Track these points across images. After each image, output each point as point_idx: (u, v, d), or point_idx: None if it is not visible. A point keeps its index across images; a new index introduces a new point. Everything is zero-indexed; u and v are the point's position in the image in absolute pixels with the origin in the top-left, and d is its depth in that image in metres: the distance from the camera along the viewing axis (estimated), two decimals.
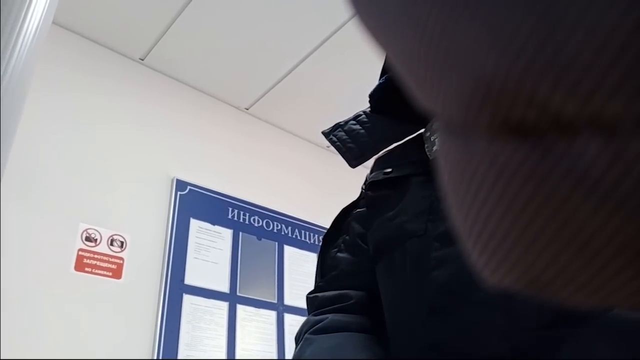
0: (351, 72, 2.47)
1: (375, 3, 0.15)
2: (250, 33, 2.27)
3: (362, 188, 0.80)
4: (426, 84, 0.15)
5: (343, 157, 0.74)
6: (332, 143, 0.75)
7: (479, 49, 0.12)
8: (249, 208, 2.50)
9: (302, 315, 2.42)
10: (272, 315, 2.33)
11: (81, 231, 1.93)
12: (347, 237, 0.77)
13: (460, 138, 0.14)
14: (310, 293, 0.78)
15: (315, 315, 0.72)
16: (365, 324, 0.68)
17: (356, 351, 0.63)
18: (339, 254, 0.77)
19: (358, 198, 0.80)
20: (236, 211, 2.44)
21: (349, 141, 0.74)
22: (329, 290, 0.74)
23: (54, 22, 2.09)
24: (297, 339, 0.72)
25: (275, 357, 2.24)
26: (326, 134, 0.77)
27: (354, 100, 2.65)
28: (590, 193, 0.12)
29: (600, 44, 0.11)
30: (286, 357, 2.27)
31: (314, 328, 0.69)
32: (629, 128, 0.11)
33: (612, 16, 0.10)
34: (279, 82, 2.56)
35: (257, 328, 2.24)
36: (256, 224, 2.49)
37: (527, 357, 0.50)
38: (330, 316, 0.70)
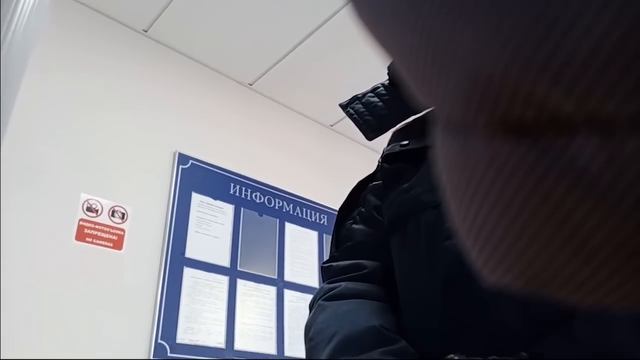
0: (357, 50, 2.44)
1: (372, 2, 0.15)
2: (256, 6, 2.24)
3: (378, 161, 0.80)
4: (425, 82, 0.15)
5: (360, 129, 0.74)
6: (350, 116, 0.75)
7: (477, 49, 0.12)
8: (251, 184, 2.50)
9: (302, 291, 2.43)
10: (272, 290, 2.34)
11: (82, 201, 1.93)
12: (362, 210, 0.78)
13: (459, 137, 0.14)
14: (324, 263, 0.79)
15: (329, 283, 0.73)
16: (379, 293, 0.69)
17: (369, 317, 0.63)
18: (354, 226, 0.77)
19: (375, 171, 0.80)
20: (238, 187, 2.44)
21: (366, 114, 0.74)
22: (344, 260, 0.75)
23: None
24: (311, 305, 0.72)
25: (274, 332, 2.26)
26: (343, 107, 0.77)
27: (358, 78, 2.63)
28: (587, 192, 0.12)
29: (596, 44, 0.11)
30: (285, 332, 2.29)
31: (327, 295, 0.70)
32: (624, 127, 0.11)
33: (608, 16, 0.10)
34: (284, 58, 2.53)
35: (256, 303, 2.25)
36: (258, 200, 2.49)
37: (543, 327, 0.50)
38: (344, 284, 0.70)
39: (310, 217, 2.69)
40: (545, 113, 0.12)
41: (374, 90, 0.77)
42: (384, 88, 0.76)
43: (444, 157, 0.16)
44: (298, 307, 2.39)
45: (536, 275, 0.14)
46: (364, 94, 0.77)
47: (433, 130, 0.16)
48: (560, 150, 0.12)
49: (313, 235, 2.67)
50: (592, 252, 0.13)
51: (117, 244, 1.95)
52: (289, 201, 2.63)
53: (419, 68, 0.14)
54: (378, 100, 0.75)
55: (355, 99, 0.77)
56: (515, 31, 0.12)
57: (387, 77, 0.78)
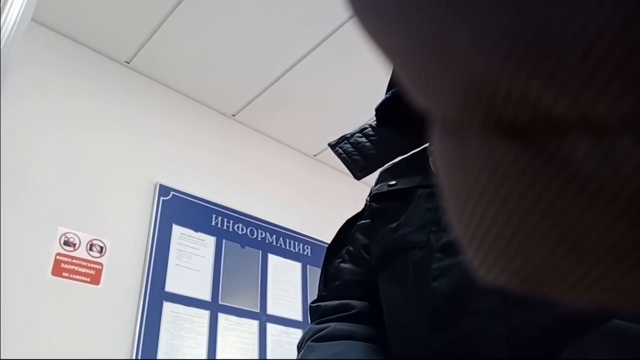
0: (340, 81, 2.46)
1: (372, 4, 0.16)
2: (239, 38, 2.25)
3: (366, 200, 0.82)
4: (422, 83, 0.15)
5: (348, 168, 0.76)
6: (338, 155, 0.77)
7: (471, 51, 0.13)
8: (233, 215, 2.47)
9: (285, 325, 2.39)
10: (254, 324, 2.29)
11: (59, 235, 1.89)
12: (351, 248, 0.79)
13: (456, 137, 0.15)
14: (313, 302, 0.80)
15: (318, 323, 0.74)
16: (367, 334, 0.70)
17: (358, 359, 0.65)
18: (342, 265, 0.79)
19: (362, 209, 0.82)
20: (220, 218, 2.41)
21: (354, 153, 0.76)
22: (332, 300, 0.76)
23: (35, 21, 2.06)
24: (299, 346, 0.73)
25: None
26: (332, 146, 0.79)
27: (342, 109, 2.65)
28: (581, 192, 0.12)
29: (587, 44, 0.11)
30: None
31: (316, 336, 0.71)
32: (616, 127, 0.11)
33: (600, 16, 0.11)
34: (267, 89, 2.54)
35: (238, 337, 2.20)
36: (240, 232, 2.46)
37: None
38: (332, 324, 0.71)
39: (294, 248, 2.67)
40: (538, 114, 0.12)
41: (361, 130, 0.79)
42: (372, 129, 0.79)
43: (441, 157, 0.16)
44: (281, 341, 2.34)
45: (531, 274, 0.14)
46: (352, 134, 0.79)
47: (431, 132, 0.16)
48: (554, 151, 0.12)
49: (297, 266, 2.63)
50: (586, 251, 0.13)
51: (95, 279, 1.90)
52: (272, 232, 2.60)
53: (415, 69, 0.15)
54: (366, 140, 0.77)
55: (343, 139, 0.79)
56: (508, 32, 0.12)
57: (374, 117, 0.81)
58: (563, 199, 0.13)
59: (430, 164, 0.70)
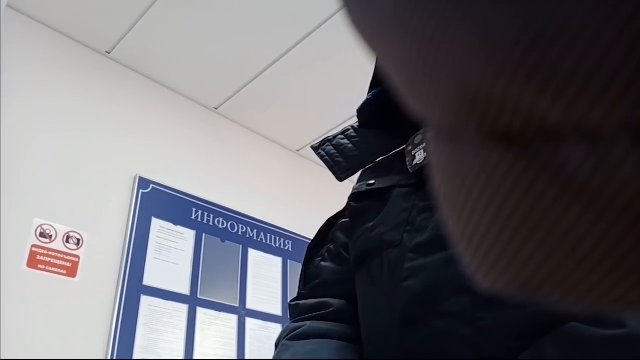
0: (323, 76, 2.45)
1: (368, 4, 0.15)
2: (222, 31, 2.23)
3: (348, 199, 0.82)
4: (417, 87, 0.15)
5: (331, 170, 0.76)
6: (321, 157, 0.78)
7: (467, 57, 0.13)
8: (214, 209, 2.45)
9: (264, 319, 2.38)
10: (233, 319, 2.28)
11: (35, 227, 1.85)
12: (331, 247, 0.80)
13: (451, 142, 0.15)
14: (292, 300, 0.80)
15: (295, 322, 0.74)
16: (343, 332, 0.70)
17: (331, 358, 0.65)
18: (322, 263, 0.79)
19: (344, 208, 0.82)
20: (200, 212, 2.39)
21: (337, 155, 0.76)
22: (311, 299, 0.76)
23: (10, 7, 2.02)
24: (276, 345, 0.74)
25: None
26: (315, 149, 0.80)
27: (325, 104, 2.64)
28: (576, 198, 0.12)
29: (581, 52, 0.11)
30: None
31: (291, 334, 0.71)
32: (611, 134, 0.11)
33: (593, 25, 0.11)
34: (250, 82, 2.52)
35: (217, 332, 2.19)
36: (220, 226, 2.45)
37: None
38: (308, 323, 0.71)
39: (275, 243, 2.66)
40: (532, 121, 0.12)
41: (344, 132, 0.79)
42: (354, 130, 0.79)
43: (437, 162, 0.16)
44: (260, 335, 2.34)
45: (529, 280, 0.14)
46: (334, 136, 0.79)
47: (428, 136, 0.16)
48: (549, 158, 0.12)
49: (277, 261, 2.63)
50: (583, 255, 0.13)
51: (71, 272, 1.87)
52: (253, 227, 2.59)
53: (411, 72, 0.14)
54: (348, 142, 0.77)
55: (326, 141, 0.79)
56: (503, 39, 0.12)
57: (357, 118, 0.81)
58: (560, 204, 0.13)
59: (407, 164, 0.70)
